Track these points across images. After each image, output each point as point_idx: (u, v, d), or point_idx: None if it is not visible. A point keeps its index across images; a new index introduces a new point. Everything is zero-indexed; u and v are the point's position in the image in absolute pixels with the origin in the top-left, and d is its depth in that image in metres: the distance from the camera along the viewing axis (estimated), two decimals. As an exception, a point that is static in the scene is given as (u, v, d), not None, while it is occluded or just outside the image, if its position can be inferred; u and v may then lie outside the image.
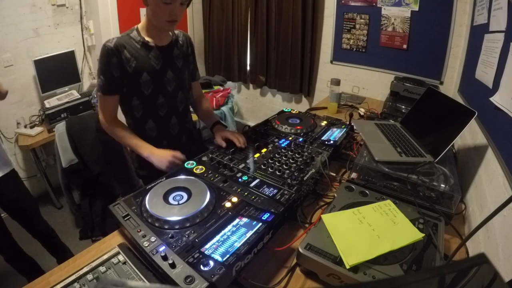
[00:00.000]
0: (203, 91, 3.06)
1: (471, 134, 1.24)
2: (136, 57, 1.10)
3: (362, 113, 1.87)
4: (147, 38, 1.13)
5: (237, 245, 0.72)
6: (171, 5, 1.03)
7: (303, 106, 2.95)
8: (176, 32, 1.25)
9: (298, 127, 1.36)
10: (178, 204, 0.85)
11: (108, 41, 1.08)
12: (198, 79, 1.41)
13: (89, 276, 0.69)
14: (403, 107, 1.79)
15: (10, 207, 1.58)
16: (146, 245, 0.72)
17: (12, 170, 1.53)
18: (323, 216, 0.84)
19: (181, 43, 1.25)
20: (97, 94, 1.15)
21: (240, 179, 0.97)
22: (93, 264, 0.71)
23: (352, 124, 1.45)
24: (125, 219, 0.80)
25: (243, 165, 1.05)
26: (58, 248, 1.83)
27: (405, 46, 2.17)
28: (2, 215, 1.58)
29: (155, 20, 1.09)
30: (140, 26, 1.15)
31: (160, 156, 1.11)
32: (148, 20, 1.13)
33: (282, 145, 1.21)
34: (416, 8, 2.04)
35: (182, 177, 0.98)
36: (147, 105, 1.18)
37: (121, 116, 1.23)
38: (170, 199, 0.87)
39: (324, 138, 1.29)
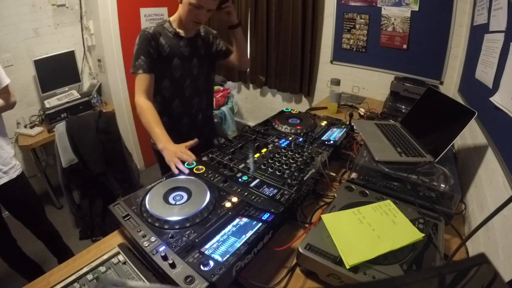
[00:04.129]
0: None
1: (471, 134, 1.24)
2: (169, 45, 1.28)
3: (362, 113, 1.87)
4: (178, 30, 1.31)
5: (237, 245, 0.72)
6: (199, 9, 1.20)
7: (303, 106, 2.95)
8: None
9: (298, 127, 1.36)
10: (178, 204, 0.85)
11: (147, 28, 1.25)
12: (229, 50, 1.49)
13: (89, 276, 0.69)
14: (403, 107, 1.79)
15: (16, 208, 1.58)
16: (146, 245, 0.72)
17: (20, 174, 1.53)
18: (323, 216, 0.84)
19: (203, 34, 1.41)
20: (136, 75, 1.24)
21: (240, 179, 0.97)
22: (93, 264, 0.71)
23: (352, 124, 1.45)
24: (125, 219, 0.80)
25: (243, 165, 1.06)
26: (61, 248, 1.83)
27: (405, 46, 2.17)
28: (4, 214, 1.58)
29: (183, 18, 1.26)
30: (172, 19, 1.32)
31: (170, 150, 1.10)
32: (179, 16, 1.29)
33: (282, 145, 1.21)
34: (416, 8, 2.04)
35: (182, 177, 0.98)
36: (176, 86, 1.35)
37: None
38: (170, 199, 0.87)
39: (324, 138, 1.29)
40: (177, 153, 1.08)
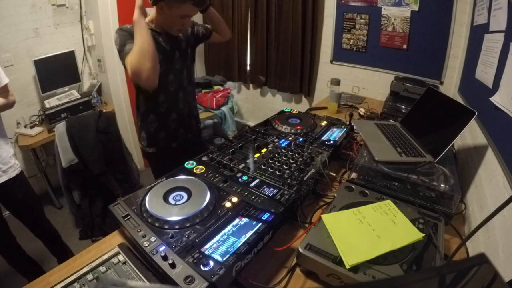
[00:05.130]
0: (203, 91, 3.07)
1: (471, 134, 1.24)
2: None
3: (362, 113, 1.87)
4: (154, 28, 1.28)
5: (237, 245, 0.72)
6: (185, 18, 1.22)
7: (303, 106, 2.95)
8: None
9: (298, 127, 1.36)
10: (178, 204, 0.85)
11: (123, 26, 1.22)
12: (208, 30, 1.54)
13: (89, 276, 0.69)
14: (403, 107, 1.79)
15: (15, 207, 1.58)
16: (146, 245, 0.72)
17: (20, 173, 1.53)
18: (323, 216, 0.84)
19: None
20: (126, 59, 1.15)
21: (240, 179, 0.97)
22: (93, 264, 0.71)
23: (352, 124, 1.45)
24: (125, 219, 0.80)
25: (243, 165, 1.06)
26: (60, 248, 1.83)
27: (405, 46, 2.17)
28: (5, 214, 1.58)
29: (166, 26, 1.27)
30: (147, 20, 1.24)
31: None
32: (156, 20, 1.27)
33: (282, 145, 1.21)
34: (416, 8, 2.04)
35: (182, 177, 0.98)
36: (160, 82, 1.25)
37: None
38: (170, 199, 0.87)
39: (324, 138, 1.29)
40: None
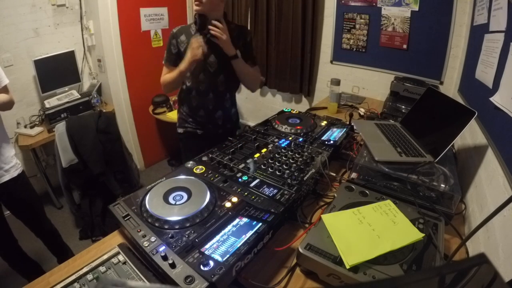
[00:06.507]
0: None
1: (471, 134, 1.24)
2: (188, 41, 1.40)
3: (362, 113, 1.87)
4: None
5: (237, 245, 0.72)
6: None
7: (303, 106, 2.95)
8: (231, 26, 1.46)
9: (298, 127, 1.36)
10: (178, 204, 0.85)
11: (174, 28, 1.48)
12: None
13: (89, 276, 0.69)
14: (403, 107, 1.79)
15: (16, 206, 1.58)
16: (146, 245, 0.72)
17: (21, 172, 1.53)
18: (323, 216, 0.84)
19: (234, 35, 1.42)
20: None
21: (240, 179, 0.97)
22: (93, 264, 0.71)
23: (352, 124, 1.45)
24: (125, 219, 0.80)
25: (243, 165, 1.06)
26: (60, 247, 1.83)
27: (405, 46, 2.17)
28: (6, 214, 1.58)
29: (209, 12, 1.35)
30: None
31: (190, 51, 1.34)
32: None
33: (282, 145, 1.21)
34: (416, 8, 2.04)
35: (182, 177, 0.98)
36: (192, 78, 1.49)
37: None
38: (170, 199, 0.87)
39: (324, 138, 1.29)
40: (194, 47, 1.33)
